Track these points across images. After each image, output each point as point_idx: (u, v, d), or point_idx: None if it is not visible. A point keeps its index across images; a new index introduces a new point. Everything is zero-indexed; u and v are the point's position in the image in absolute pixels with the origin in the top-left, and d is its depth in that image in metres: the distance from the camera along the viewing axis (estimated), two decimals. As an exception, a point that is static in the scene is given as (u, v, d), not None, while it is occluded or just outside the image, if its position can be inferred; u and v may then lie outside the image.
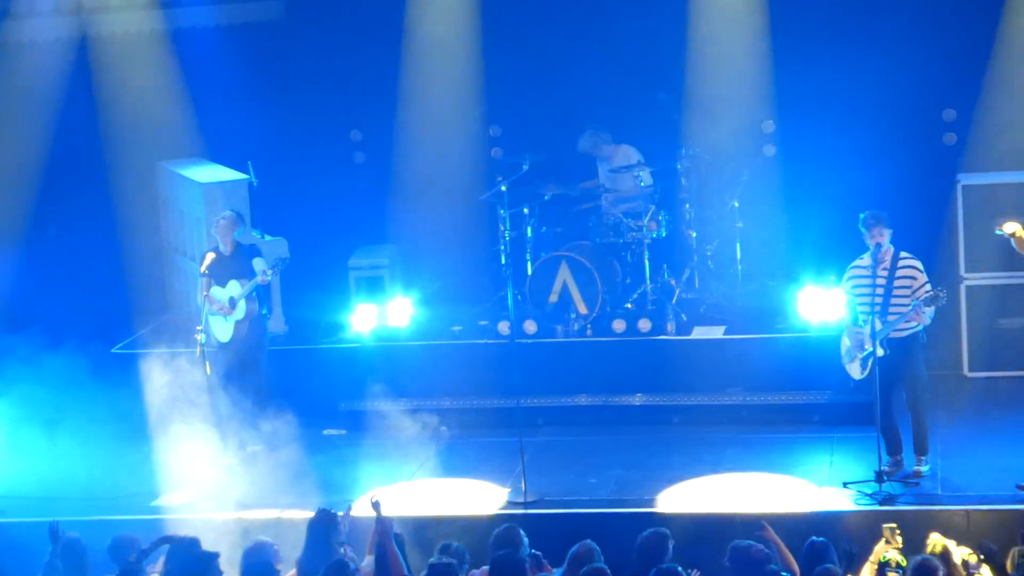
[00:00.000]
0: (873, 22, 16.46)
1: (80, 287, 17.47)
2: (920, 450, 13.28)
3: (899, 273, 13.05)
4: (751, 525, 11.00)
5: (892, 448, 13.29)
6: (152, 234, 17.89)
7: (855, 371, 13.31)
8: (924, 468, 13.21)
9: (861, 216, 13.13)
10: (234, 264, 14.63)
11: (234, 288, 14.59)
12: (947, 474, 13.26)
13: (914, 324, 13.00)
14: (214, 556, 10.64)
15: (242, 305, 14.56)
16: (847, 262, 13.39)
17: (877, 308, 12.98)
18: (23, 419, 14.92)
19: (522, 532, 10.79)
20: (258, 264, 14.66)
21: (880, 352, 12.92)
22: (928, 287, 12.95)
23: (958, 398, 15.08)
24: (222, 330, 14.69)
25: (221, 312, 14.61)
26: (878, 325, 12.93)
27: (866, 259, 13.13)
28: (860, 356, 13.14)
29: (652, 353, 15.51)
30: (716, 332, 15.62)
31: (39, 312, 16.59)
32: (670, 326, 15.59)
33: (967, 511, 12.44)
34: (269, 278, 14.64)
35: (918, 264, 13.10)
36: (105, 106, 17.69)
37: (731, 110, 16.87)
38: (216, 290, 14.65)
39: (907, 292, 13.02)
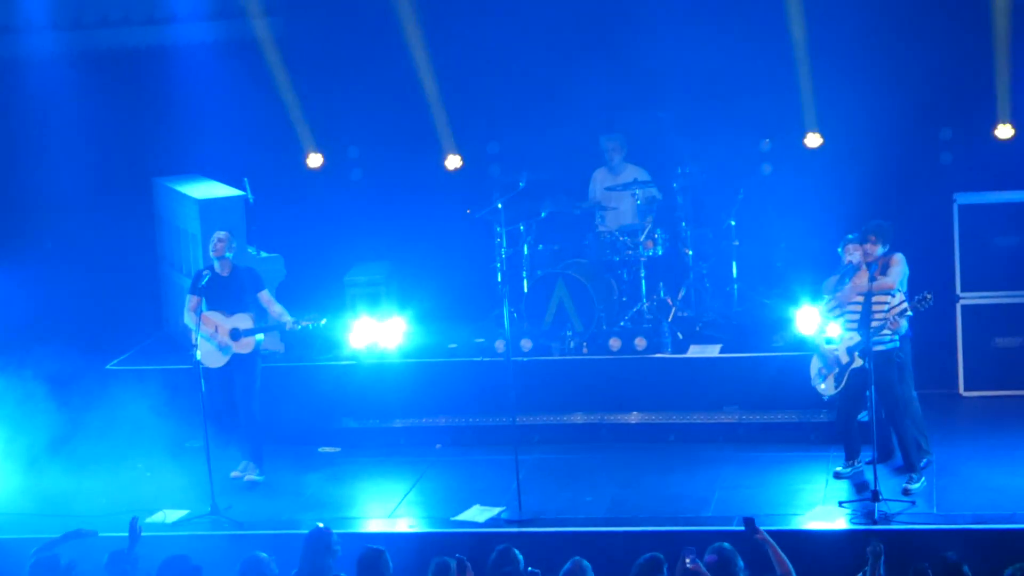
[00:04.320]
0: (870, 42, 16.49)
1: (75, 303, 17.44)
2: (909, 467, 13.36)
3: (876, 287, 13.27)
4: (745, 526, 11.04)
5: (849, 453, 13.67)
6: (148, 250, 17.88)
7: (829, 387, 13.54)
8: (914, 486, 13.26)
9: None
10: (232, 287, 14.41)
11: (243, 321, 14.27)
12: (942, 493, 13.26)
13: (889, 336, 13.16)
14: (198, 569, 10.63)
15: (251, 340, 14.32)
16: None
17: (852, 323, 13.28)
18: (16, 436, 14.90)
19: (517, 552, 10.77)
20: (265, 297, 14.36)
21: (858, 363, 13.17)
22: (906, 303, 13.15)
23: (954, 417, 15.08)
24: (214, 356, 14.25)
25: (219, 341, 14.28)
26: (856, 337, 13.18)
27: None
28: (835, 372, 13.41)
29: (648, 371, 15.50)
30: (712, 350, 15.61)
31: (34, 328, 16.56)
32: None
33: (962, 530, 12.43)
34: (298, 328, 14.33)
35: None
36: (102, 121, 17.67)
37: (728, 129, 16.89)
38: (214, 315, 14.30)
39: (884, 304, 13.20)
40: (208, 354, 14.22)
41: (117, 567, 11.18)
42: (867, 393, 13.15)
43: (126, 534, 11.68)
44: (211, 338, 14.24)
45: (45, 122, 17.83)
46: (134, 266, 17.86)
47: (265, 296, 14.42)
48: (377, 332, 15.85)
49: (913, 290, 13.34)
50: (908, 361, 13.58)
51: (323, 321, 14.38)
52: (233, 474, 14.40)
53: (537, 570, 10.65)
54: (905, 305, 13.15)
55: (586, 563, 10.58)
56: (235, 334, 14.25)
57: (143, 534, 11.78)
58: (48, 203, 18.00)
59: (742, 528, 11.17)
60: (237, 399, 14.38)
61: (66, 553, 11.26)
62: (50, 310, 17.18)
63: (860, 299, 13.34)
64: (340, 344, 16.12)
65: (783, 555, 10.78)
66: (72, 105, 17.81)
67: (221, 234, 14.44)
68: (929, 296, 13.00)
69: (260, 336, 14.38)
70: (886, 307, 13.18)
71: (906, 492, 13.18)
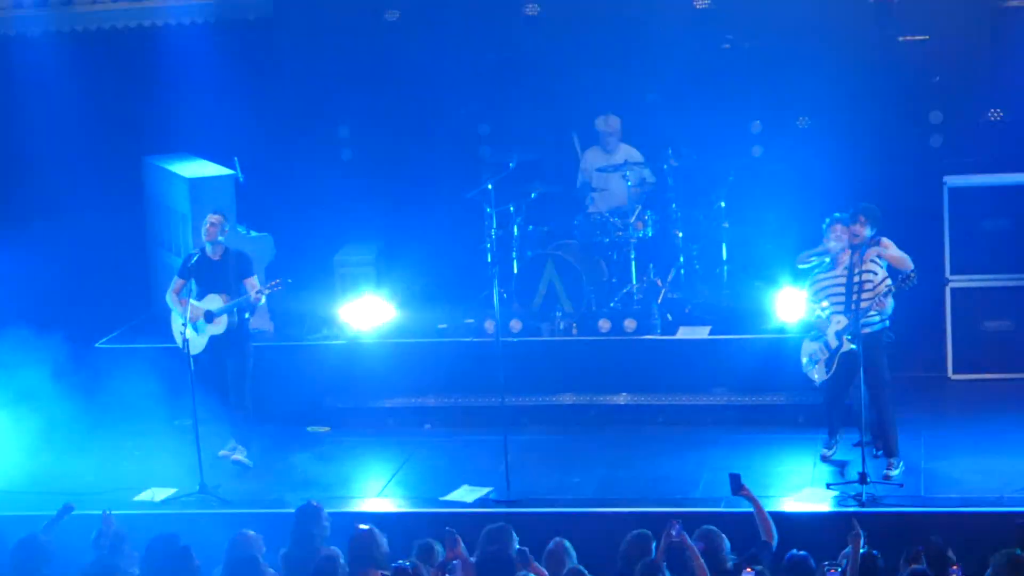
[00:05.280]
0: (861, 24, 16.48)
1: (65, 282, 17.40)
2: (889, 452, 13.35)
3: (863, 267, 13.24)
4: (731, 483, 11.12)
5: (831, 433, 13.70)
6: (137, 229, 17.85)
7: (820, 374, 13.55)
8: (894, 472, 13.26)
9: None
10: (221, 271, 14.31)
11: (213, 301, 14.23)
12: (930, 476, 13.28)
13: (877, 318, 13.17)
14: (188, 548, 10.64)
15: (223, 319, 14.25)
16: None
17: (839, 306, 13.26)
18: (5, 414, 14.88)
19: (514, 532, 10.79)
20: (251, 283, 14.28)
21: (847, 347, 13.18)
22: (889, 280, 13.14)
23: (942, 400, 15.10)
24: (194, 340, 14.14)
25: (196, 323, 14.15)
26: (844, 321, 13.15)
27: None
28: (824, 357, 13.41)
29: (637, 352, 15.50)
30: (701, 332, 15.61)
31: (23, 306, 16.52)
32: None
33: (950, 514, 12.45)
34: (263, 297, 14.27)
35: (880, 261, 13.33)
36: (91, 100, 17.63)
37: (719, 111, 16.87)
38: (193, 300, 14.20)
39: (870, 288, 13.19)
40: (190, 338, 14.20)
41: (104, 543, 11.19)
42: (855, 375, 13.17)
43: (115, 512, 11.68)
44: (193, 323, 14.18)
45: (34, 101, 17.77)
46: (123, 245, 17.81)
47: (252, 282, 14.32)
48: (367, 312, 15.84)
49: (899, 272, 13.33)
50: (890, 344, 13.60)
51: (280, 284, 14.26)
52: (221, 453, 14.37)
53: (525, 548, 10.68)
54: (889, 283, 13.13)
55: (567, 543, 10.61)
56: (208, 315, 14.21)
57: (132, 512, 11.81)
58: (37, 182, 17.94)
59: (729, 509, 11.23)
60: (229, 380, 14.34)
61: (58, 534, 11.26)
62: (39, 289, 17.12)
63: (843, 279, 13.29)
64: (330, 324, 16.12)
65: (767, 515, 10.82)
66: (61, 84, 17.77)
67: (214, 217, 14.33)
68: (913, 275, 13.01)
69: (246, 314, 14.33)
70: (872, 286, 13.17)
71: (887, 478, 13.16)
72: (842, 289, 13.29)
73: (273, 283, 14.24)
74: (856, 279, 13.23)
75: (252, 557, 10.66)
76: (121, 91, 17.82)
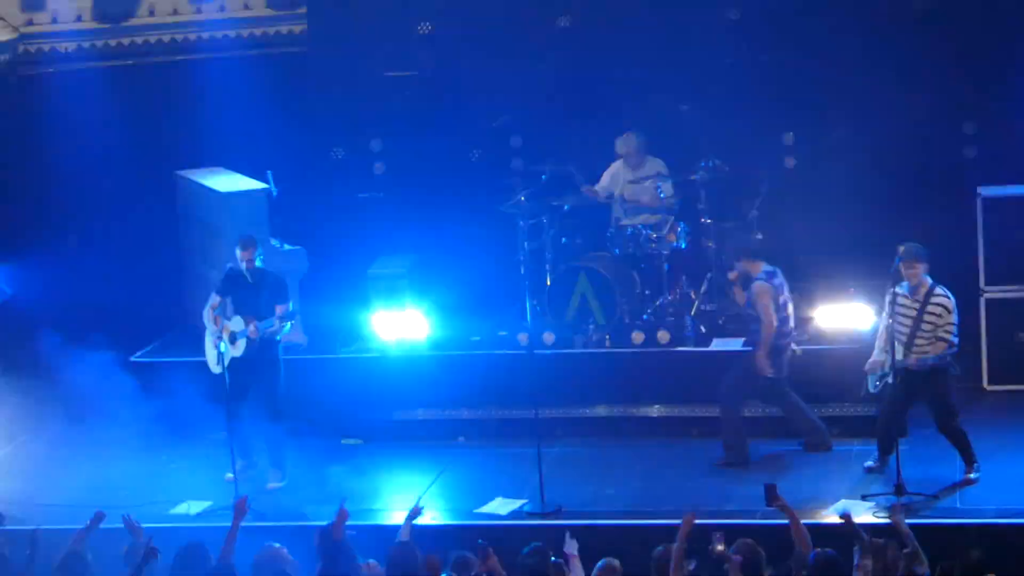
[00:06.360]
0: (894, 34, 16.46)
1: (100, 295, 17.45)
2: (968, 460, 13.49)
3: (928, 309, 13.23)
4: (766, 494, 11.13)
5: (883, 449, 13.61)
6: (172, 243, 17.91)
7: (871, 384, 13.63)
8: (974, 475, 13.40)
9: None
10: (255, 294, 14.31)
11: (237, 323, 14.20)
12: (966, 487, 13.24)
13: (931, 353, 13.29)
14: (203, 545, 10.67)
15: (241, 343, 14.22)
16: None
17: (903, 339, 13.27)
18: (41, 427, 14.95)
19: (551, 554, 10.78)
20: (281, 310, 14.18)
21: (890, 380, 13.31)
22: (952, 328, 13.22)
23: (977, 411, 15.01)
24: (215, 358, 14.22)
25: (218, 340, 14.18)
26: (900, 354, 13.19)
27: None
28: (877, 374, 13.49)
29: (671, 364, 15.48)
30: (735, 344, 15.58)
31: (59, 320, 16.61)
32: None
33: (986, 525, 12.40)
34: (255, 337, 14.13)
35: (948, 303, 13.30)
36: (125, 114, 17.71)
37: (751, 122, 16.85)
38: (221, 319, 14.27)
39: (931, 329, 13.24)
40: (211, 357, 14.29)
41: (133, 557, 11.22)
42: (898, 402, 13.33)
43: (150, 525, 11.71)
44: (220, 341, 14.18)
45: (68, 116, 17.85)
46: (158, 259, 17.87)
47: (281, 309, 14.29)
48: (401, 325, 15.87)
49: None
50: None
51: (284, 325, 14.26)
52: (228, 476, 14.27)
53: (560, 560, 10.68)
54: (948, 330, 13.21)
55: (616, 562, 10.58)
56: (232, 336, 14.22)
57: (167, 525, 11.83)
58: (73, 197, 18.01)
59: (765, 521, 11.18)
60: (260, 400, 14.34)
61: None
62: (75, 303, 17.19)
63: (914, 310, 13.27)
64: (365, 337, 16.13)
65: (803, 527, 10.77)
66: (95, 99, 17.84)
67: (246, 247, 14.32)
68: (955, 350, 13.17)
69: (277, 337, 14.29)
70: (932, 327, 13.20)
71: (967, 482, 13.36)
72: (910, 321, 13.29)
73: (262, 326, 14.16)
74: (922, 317, 13.24)
75: (280, 571, 10.65)
76: (155, 105, 17.91)
